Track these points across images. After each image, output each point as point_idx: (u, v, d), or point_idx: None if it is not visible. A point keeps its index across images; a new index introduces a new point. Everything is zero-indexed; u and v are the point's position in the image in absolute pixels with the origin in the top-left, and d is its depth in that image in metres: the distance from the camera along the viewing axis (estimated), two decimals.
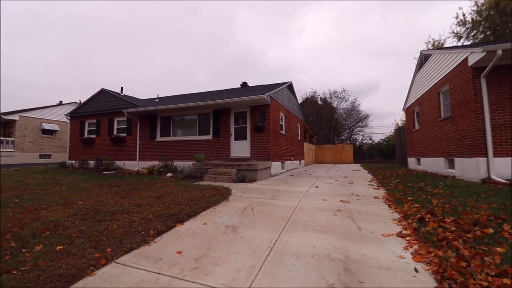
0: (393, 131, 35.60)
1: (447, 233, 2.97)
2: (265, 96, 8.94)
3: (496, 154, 6.07)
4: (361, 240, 3.07)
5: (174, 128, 12.08)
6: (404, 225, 3.51)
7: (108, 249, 2.70)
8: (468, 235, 2.89)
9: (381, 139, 34.47)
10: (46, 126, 21.21)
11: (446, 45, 23.06)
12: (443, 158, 8.85)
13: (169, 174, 9.73)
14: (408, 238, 3.06)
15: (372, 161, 27.09)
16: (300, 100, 35.25)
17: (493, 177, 5.96)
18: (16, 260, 2.44)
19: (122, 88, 15.76)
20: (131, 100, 14.22)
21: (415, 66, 11.79)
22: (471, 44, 16.12)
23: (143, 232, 3.15)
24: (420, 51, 10.67)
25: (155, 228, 3.29)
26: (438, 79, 8.86)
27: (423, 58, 10.54)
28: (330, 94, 36.69)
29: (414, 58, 23.69)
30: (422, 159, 11.53)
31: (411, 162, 13.43)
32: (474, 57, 6.15)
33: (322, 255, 2.68)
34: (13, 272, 2.22)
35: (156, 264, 2.48)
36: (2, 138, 18.87)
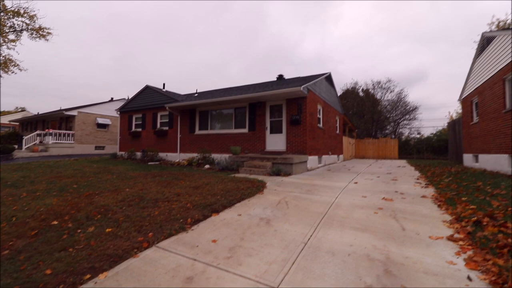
0: (446, 124, 32.17)
1: (510, 240, 2.59)
2: (301, 88, 8.70)
3: None
4: (405, 241, 2.83)
5: (212, 121, 12.48)
6: (457, 228, 3.15)
7: (150, 234, 2.90)
8: None
9: (432, 134, 31.34)
10: (100, 120, 23.63)
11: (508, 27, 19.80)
12: (507, 155, 7.72)
13: (207, 166, 10.12)
14: (460, 242, 2.74)
15: (420, 157, 24.88)
16: (339, 92, 33.74)
17: None
18: (72, 239, 2.76)
19: (164, 84, 16.73)
20: (172, 95, 15.02)
21: (474, 51, 10.38)
22: None
23: (181, 220, 3.32)
24: (482, 33, 9.32)
25: (192, 217, 3.44)
26: (504, 64, 7.66)
27: (485, 41, 9.22)
28: (373, 85, 34.42)
29: (474, 42, 20.72)
30: (480, 155, 10.22)
31: (467, 159, 12.01)
32: None
33: (360, 254, 2.53)
34: (69, 249, 2.51)
35: (192, 250, 2.59)
36: (64, 131, 21.51)
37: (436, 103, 54.41)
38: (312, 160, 10.05)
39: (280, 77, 13.81)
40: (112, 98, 26.62)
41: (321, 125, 11.56)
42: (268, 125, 10.53)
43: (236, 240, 2.86)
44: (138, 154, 14.77)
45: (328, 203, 4.38)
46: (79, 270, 2.17)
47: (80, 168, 9.49)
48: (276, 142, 10.28)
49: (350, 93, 34.75)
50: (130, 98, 16.88)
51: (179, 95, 16.34)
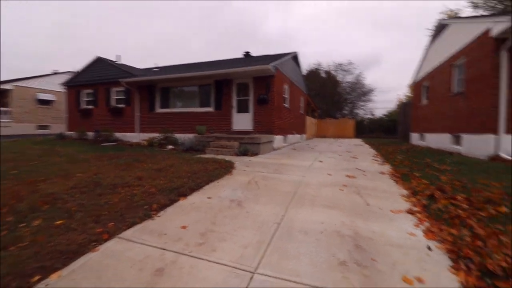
0: (396, 106, 35.01)
1: (459, 211, 2.88)
2: (270, 67, 8.50)
3: (507, 132, 5.87)
4: (370, 216, 2.99)
5: (174, 99, 11.73)
6: (413, 201, 3.42)
7: (110, 224, 2.62)
8: (482, 213, 2.80)
9: (383, 115, 34.00)
10: (42, 96, 20.74)
11: (460, 15, 21.67)
12: (449, 134, 8.67)
13: (170, 147, 9.61)
14: (418, 215, 2.98)
15: (372, 136, 26.91)
16: (303, 73, 34.21)
17: (502, 154, 5.83)
18: (13, 235, 2.35)
19: (118, 56, 15.09)
20: (128, 69, 13.66)
21: (425, 38, 11.11)
22: (494, 13, 15.10)
23: (145, 206, 3.06)
24: (437, 20, 9.97)
25: (157, 202, 3.20)
26: (454, 51, 8.35)
27: (439, 29, 9.89)
28: (335, 66, 35.48)
29: (427, 29, 22.41)
30: (426, 135, 11.36)
31: (414, 137, 13.29)
32: (499, 27, 5.68)
33: (331, 231, 2.60)
34: (10, 248, 2.13)
35: (160, 239, 2.40)
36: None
37: (387, 87, 58.56)
38: (278, 139, 10.15)
39: (247, 54, 13.36)
40: (56, 71, 23.35)
41: (287, 105, 11.62)
42: (234, 104, 10.24)
43: (207, 224, 2.73)
44: (90, 134, 13.42)
45: (297, 182, 4.45)
46: (25, 271, 1.85)
47: (21, 150, 8.29)
48: (243, 121, 10.11)
49: (313, 74, 35.46)
50: (78, 71, 14.96)
51: (136, 69, 14.93)
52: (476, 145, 6.68)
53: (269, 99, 9.45)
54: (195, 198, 3.57)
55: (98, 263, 2.02)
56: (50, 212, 2.87)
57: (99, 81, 13.75)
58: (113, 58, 14.97)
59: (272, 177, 4.82)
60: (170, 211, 3.07)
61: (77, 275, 1.87)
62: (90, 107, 14.24)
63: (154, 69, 14.87)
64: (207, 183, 4.25)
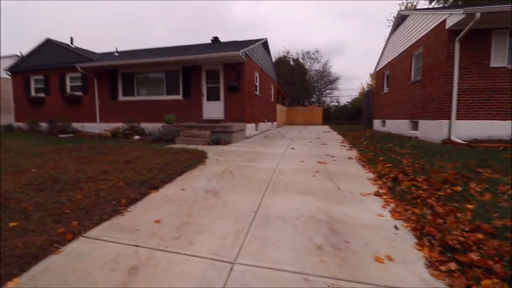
0: (358, 94, 36.85)
1: (420, 191, 3.13)
2: (240, 53, 8.30)
3: (458, 117, 6.49)
4: (342, 200, 3.13)
5: (139, 86, 11.00)
6: (380, 184, 3.65)
7: (74, 223, 2.40)
8: (440, 193, 3.07)
9: (347, 102, 35.65)
10: None
11: (418, 7, 23.04)
12: (407, 120, 9.35)
13: (137, 137, 9.09)
14: (384, 196, 3.19)
15: (338, 122, 28.14)
16: (272, 60, 34.10)
17: (453, 138, 6.45)
18: None
19: (72, 38, 13.63)
20: (85, 53, 12.43)
21: (387, 28, 11.67)
22: (450, 5, 16.23)
23: (114, 202, 2.85)
24: (398, 11, 10.47)
25: (127, 196, 3.00)
26: (413, 41, 8.90)
27: (400, 20, 10.42)
28: (303, 54, 35.94)
29: (387, 20, 23.61)
30: (387, 121, 12.13)
31: (376, 124, 14.13)
32: (453, 19, 6.14)
33: (307, 217, 2.67)
34: None
35: (132, 235, 2.27)
36: None
37: (351, 75, 61.18)
38: (250, 127, 10.12)
39: (216, 39, 12.89)
40: None
41: (258, 92, 11.56)
42: (204, 91, 9.91)
43: (183, 217, 2.64)
44: (44, 125, 12.15)
45: (271, 170, 4.49)
46: None
47: None
48: (213, 109, 9.86)
49: (282, 62, 35.60)
50: (24, 55, 13.25)
51: (94, 53, 13.64)
52: (431, 130, 7.31)
53: (240, 87, 9.29)
54: (168, 190, 3.42)
55: (62, 266, 1.85)
56: (2, 213, 2.55)
57: (50, 66, 12.34)
58: (66, 41, 13.48)
59: (247, 165, 4.80)
60: (141, 206, 2.91)
61: (38, 281, 1.69)
62: (41, 95, 12.80)
63: (114, 54, 13.73)
64: (179, 174, 4.10)
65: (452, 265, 1.82)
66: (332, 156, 5.66)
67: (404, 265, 1.90)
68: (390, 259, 1.96)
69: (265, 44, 12.84)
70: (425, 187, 3.27)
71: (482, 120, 6.41)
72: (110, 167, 4.24)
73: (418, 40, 8.47)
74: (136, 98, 10.91)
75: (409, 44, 9.26)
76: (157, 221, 2.53)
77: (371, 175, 4.13)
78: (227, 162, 5.02)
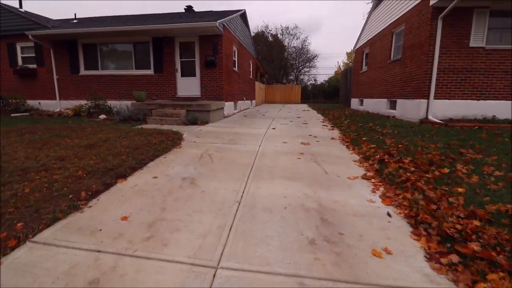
0: (335, 73, 37.00)
1: (408, 174, 3.03)
2: (217, 24, 7.58)
3: (436, 97, 6.55)
4: (330, 185, 2.95)
5: (103, 59, 9.87)
6: (366, 166, 3.52)
7: (19, 224, 1.97)
8: (428, 175, 2.99)
9: (324, 80, 35.75)
10: None
11: None
12: (386, 99, 9.41)
13: (103, 116, 8.26)
14: (373, 180, 3.06)
15: (316, 101, 28.24)
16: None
17: (430, 117, 6.55)
18: None
19: (20, 1, 11.70)
20: (37, 19, 10.79)
21: (368, 5, 11.36)
22: None
23: (71, 196, 2.42)
24: None
25: (88, 188, 2.57)
26: (395, 18, 8.69)
27: None
28: (282, 30, 34.80)
29: None
30: (365, 100, 12.21)
31: (354, 102, 14.24)
32: None
33: (295, 205, 2.45)
34: None
35: (93, 237, 1.90)
36: None
37: (327, 53, 60.95)
38: (228, 106, 9.63)
39: (189, 8, 11.75)
40: None
41: (236, 68, 10.93)
42: (178, 66, 9.12)
43: (155, 211, 2.29)
44: None
45: (254, 152, 4.20)
46: None
47: None
48: (189, 86, 9.18)
49: (261, 37, 34.29)
50: None
51: (48, 19, 11.89)
52: (409, 109, 7.37)
53: (217, 61, 8.64)
54: (138, 179, 3.02)
55: (1, 284, 1.46)
56: None
57: None
58: (13, 4, 11.55)
59: (227, 148, 4.46)
60: (105, 199, 2.50)
61: None
62: None
63: (73, 21, 12.09)
64: (151, 159, 3.67)
65: (454, 258, 1.70)
66: (315, 137, 5.48)
67: (403, 259, 1.75)
68: (388, 252, 1.81)
69: (243, 16, 11.98)
70: (413, 169, 3.18)
71: (458, 100, 6.53)
72: (69, 152, 3.68)
73: (400, 17, 8.28)
74: (100, 72, 9.81)
75: (390, 22, 9.06)
76: (125, 218, 2.17)
77: (356, 157, 4.00)
78: (205, 145, 4.64)
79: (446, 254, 1.75)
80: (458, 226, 1.98)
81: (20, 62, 10.77)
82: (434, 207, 2.29)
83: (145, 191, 2.70)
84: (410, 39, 7.44)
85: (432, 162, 3.35)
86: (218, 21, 7.65)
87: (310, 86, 33.90)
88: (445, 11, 6.01)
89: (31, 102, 10.48)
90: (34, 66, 10.56)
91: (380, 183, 2.95)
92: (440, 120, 6.40)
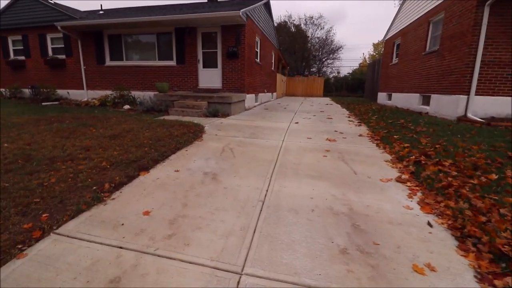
0: (359, 65, 35.43)
1: (450, 179, 2.74)
2: (240, 13, 7.37)
3: (477, 93, 5.96)
4: (360, 187, 2.73)
5: (128, 50, 10.03)
6: (400, 168, 3.25)
7: (44, 215, 1.97)
8: (472, 181, 2.68)
9: (348, 73, 34.40)
10: None
11: None
12: (418, 94, 8.79)
13: (127, 107, 8.44)
14: (408, 184, 2.80)
15: (338, 94, 27.25)
16: None
17: (469, 115, 5.99)
18: None
19: None
20: (65, 10, 11.14)
21: None
22: None
23: (94, 187, 2.41)
24: None
25: (111, 180, 2.56)
26: (432, 6, 7.97)
27: None
28: (305, 20, 33.68)
29: None
30: (394, 94, 11.54)
31: (381, 97, 13.53)
32: None
33: (323, 208, 2.28)
34: None
35: (116, 232, 1.85)
36: None
37: (351, 44, 58.30)
38: (249, 98, 9.48)
39: None
40: None
41: (258, 60, 10.70)
42: (200, 57, 9.06)
43: (177, 207, 2.22)
44: (27, 91, 11.27)
45: (277, 148, 4.04)
46: None
47: None
48: (210, 78, 9.11)
49: (283, 28, 33.47)
50: None
51: (75, 11, 12.26)
52: (445, 105, 6.81)
53: (239, 52, 8.46)
54: (160, 172, 2.97)
55: (25, 276, 1.45)
56: None
57: (29, 24, 11.10)
58: None
59: (249, 142, 4.33)
60: (127, 192, 2.47)
61: None
62: (21, 57, 11.69)
63: (99, 12, 12.39)
64: (173, 152, 3.63)
65: (510, 281, 1.47)
66: (341, 133, 5.20)
67: (450, 277, 1.54)
68: (431, 269, 1.60)
69: (266, 5, 11.63)
70: (454, 173, 2.87)
71: (502, 96, 5.90)
72: (94, 142, 3.73)
73: (439, 4, 7.57)
74: (125, 63, 10.00)
75: (427, 9, 8.33)
76: (146, 213, 2.11)
77: (388, 157, 3.71)
78: (226, 138, 4.54)
79: (501, 276, 1.52)
80: None
81: (50, 52, 11.24)
82: (483, 219, 2.02)
83: (167, 185, 2.64)
84: (450, 28, 6.79)
85: (477, 166, 3.01)
86: (241, 10, 7.44)
87: (333, 78, 32.77)
88: None
89: (60, 92, 10.94)
90: (63, 56, 10.96)
91: (417, 188, 2.69)
92: (481, 118, 5.83)
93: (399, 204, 2.38)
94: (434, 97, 7.50)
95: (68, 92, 11.00)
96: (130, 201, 2.29)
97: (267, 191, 2.58)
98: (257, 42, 10.32)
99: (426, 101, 8.21)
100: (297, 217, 2.14)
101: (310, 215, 2.16)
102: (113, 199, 2.31)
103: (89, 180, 2.52)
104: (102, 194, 2.32)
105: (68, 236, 1.81)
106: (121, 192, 2.45)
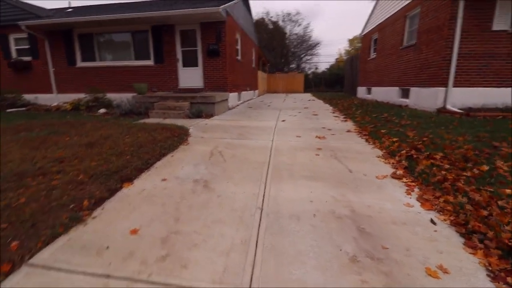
0: (335, 60, 36.09)
1: (444, 172, 2.74)
2: (220, 9, 7.12)
3: (455, 84, 6.17)
4: (358, 186, 2.67)
5: (101, 50, 9.44)
6: (393, 163, 3.23)
7: (14, 244, 1.70)
8: (465, 173, 2.71)
9: (326, 69, 34.89)
10: None
11: None
12: (397, 87, 9.01)
13: (102, 110, 7.92)
14: (404, 179, 2.77)
15: (317, 90, 27.52)
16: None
17: (448, 107, 6.20)
18: None
19: None
20: (29, 8, 10.28)
21: None
22: None
23: (72, 205, 2.14)
24: None
25: (91, 195, 2.29)
26: (408, 1, 8.17)
27: None
28: (283, 16, 33.71)
29: None
30: (373, 88, 11.80)
31: (361, 91, 13.81)
32: None
33: (324, 212, 2.18)
34: None
35: (100, 258, 1.63)
36: None
37: (327, 40, 59.38)
38: (232, 97, 9.27)
39: None
40: None
41: (240, 57, 10.48)
42: (179, 56, 8.70)
43: (169, 222, 2.02)
44: None
45: (267, 148, 3.90)
46: None
47: None
48: (191, 77, 8.78)
49: (261, 24, 33.30)
50: None
51: (41, 9, 11.36)
52: (425, 98, 7.01)
53: (221, 50, 8.21)
54: (145, 182, 2.73)
55: None
56: None
57: None
58: None
59: (238, 144, 4.16)
60: (110, 208, 2.22)
61: None
62: None
63: (67, 10, 11.55)
64: (158, 158, 3.38)
65: None
66: (329, 129, 5.16)
67: (464, 278, 1.49)
68: (444, 271, 1.54)
69: (246, 1, 11.42)
70: (447, 166, 2.88)
71: (478, 87, 6.16)
72: (68, 152, 3.38)
73: None
74: (98, 63, 9.40)
75: (404, 4, 8.53)
76: (134, 232, 1.89)
77: (379, 152, 3.70)
78: (214, 140, 4.33)
79: None
80: None
81: (14, 54, 10.34)
82: (484, 213, 2.01)
83: (155, 197, 2.42)
84: (427, 22, 6.98)
85: (467, 158, 3.05)
86: (221, 7, 7.19)
87: (311, 74, 33.09)
88: None
89: (27, 97, 10.10)
90: (29, 58, 10.13)
91: (414, 183, 2.66)
92: (459, 109, 6.05)
93: (399, 202, 2.33)
94: (414, 90, 7.72)
95: (36, 97, 10.18)
96: (114, 219, 2.06)
97: (264, 196, 2.44)
98: (237, 39, 10.09)
99: (405, 94, 8.44)
100: (300, 224, 2.01)
101: (312, 221, 2.05)
102: (94, 217, 2.07)
103: (65, 197, 2.24)
104: (81, 212, 2.07)
105: (43, 267, 1.56)
106: (103, 208, 2.20)
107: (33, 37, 9.67)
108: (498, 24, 5.88)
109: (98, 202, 2.25)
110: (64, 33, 9.34)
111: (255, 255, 1.67)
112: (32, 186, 2.42)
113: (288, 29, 33.97)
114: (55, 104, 9.44)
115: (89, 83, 9.37)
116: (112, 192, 2.43)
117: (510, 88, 6.05)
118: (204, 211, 2.19)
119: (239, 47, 10.33)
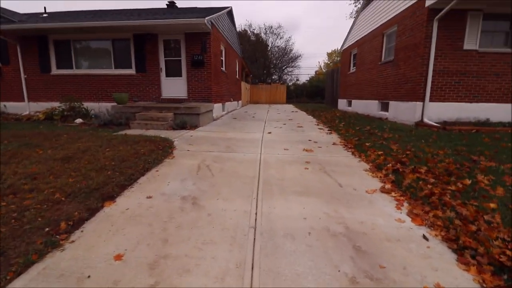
0: (315, 73, 37.29)
1: (430, 186, 2.82)
2: (205, 21, 7.11)
3: (431, 99, 6.52)
4: (350, 201, 2.67)
5: (78, 57, 9.05)
6: (381, 177, 3.28)
7: None
8: (450, 187, 2.79)
9: (306, 80, 35.93)
10: None
11: None
12: (377, 101, 9.39)
13: (79, 120, 7.52)
14: (393, 194, 2.81)
15: (299, 101, 28.11)
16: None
17: (426, 120, 6.52)
18: None
19: None
20: (1, 12, 9.71)
21: (350, 6, 11.30)
22: None
23: (47, 228, 1.94)
24: None
25: (69, 216, 2.10)
26: (386, 19, 8.65)
27: None
28: (265, 29, 34.49)
29: None
30: (354, 101, 12.22)
31: (342, 103, 14.25)
32: None
33: (319, 229, 2.14)
34: None
35: None
36: None
37: (307, 53, 61.44)
38: (217, 108, 9.18)
39: (172, 4, 11.14)
40: None
41: (224, 68, 10.49)
42: (163, 65, 8.54)
43: (156, 245, 1.88)
44: None
45: (255, 162, 3.85)
46: None
47: None
48: (175, 87, 8.62)
49: (244, 36, 33.83)
50: None
51: (13, 13, 10.77)
52: (403, 111, 7.34)
53: (205, 61, 8.16)
54: (129, 200, 2.56)
55: None
56: None
57: None
58: None
59: (226, 157, 4.07)
60: (91, 230, 2.04)
61: None
62: None
63: (42, 15, 11.05)
64: (142, 173, 3.20)
65: None
66: (315, 142, 5.21)
67: None
68: None
69: (230, 13, 11.54)
70: (432, 180, 2.97)
71: (452, 102, 6.55)
72: (42, 167, 3.12)
73: (392, 18, 8.25)
74: (75, 71, 8.99)
75: (381, 22, 9.03)
76: (118, 257, 1.74)
77: (366, 165, 3.76)
78: (200, 153, 4.21)
79: None
80: (509, 252, 1.75)
81: None
82: (473, 228, 2.06)
83: (140, 216, 2.26)
84: (404, 40, 7.40)
85: (450, 172, 3.17)
86: (206, 18, 7.20)
87: (293, 86, 33.87)
88: (441, 13, 5.98)
89: None
90: None
91: (402, 198, 2.71)
92: (436, 123, 6.38)
93: (390, 218, 2.34)
94: (393, 104, 8.07)
95: (5, 105, 9.50)
96: (95, 243, 1.88)
97: (256, 214, 2.36)
98: (222, 50, 10.12)
99: (384, 107, 8.80)
100: (295, 243, 1.95)
101: (308, 240, 2.00)
102: (73, 241, 1.88)
103: (39, 219, 2.03)
104: (57, 236, 1.88)
105: None
106: (82, 231, 2.01)
107: (4, 42, 9.10)
108: (469, 44, 6.35)
109: (77, 223, 2.06)
110: (38, 38, 8.89)
111: (251, 280, 1.58)
112: (0, 207, 2.18)
113: (270, 41, 34.76)
114: (26, 113, 8.85)
115: (65, 92, 8.91)
116: (93, 212, 2.24)
117: (480, 104, 6.49)
118: (194, 231, 2.07)
119: (223, 58, 10.35)
